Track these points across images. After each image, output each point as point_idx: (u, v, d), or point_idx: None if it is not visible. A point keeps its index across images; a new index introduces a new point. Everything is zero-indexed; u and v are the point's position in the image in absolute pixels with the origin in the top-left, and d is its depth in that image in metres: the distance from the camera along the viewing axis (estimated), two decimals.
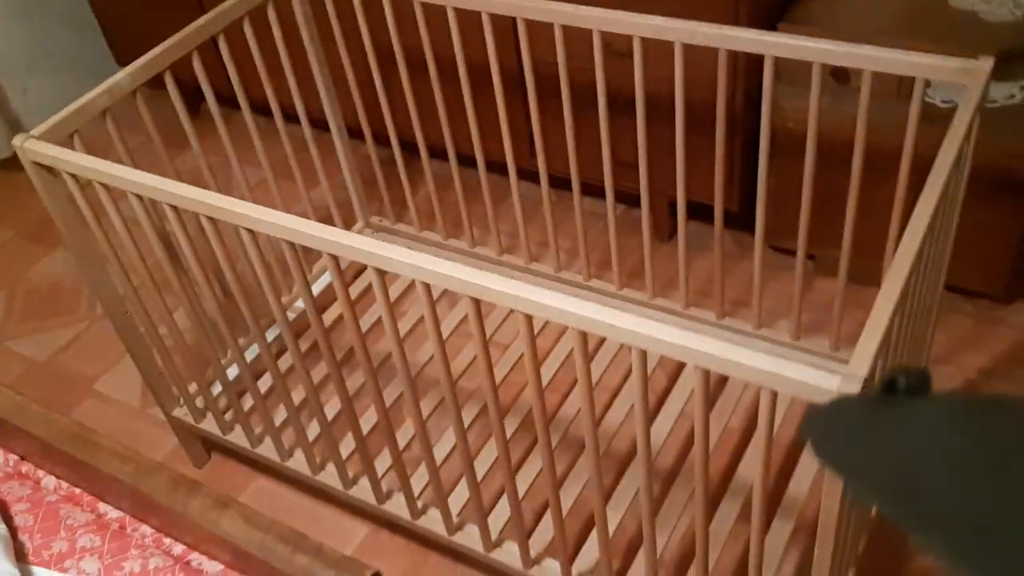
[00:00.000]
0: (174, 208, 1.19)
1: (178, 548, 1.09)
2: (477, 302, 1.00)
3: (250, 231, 1.14)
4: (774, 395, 0.86)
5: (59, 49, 2.49)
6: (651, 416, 1.55)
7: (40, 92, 2.45)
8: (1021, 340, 1.63)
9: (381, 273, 1.05)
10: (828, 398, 0.81)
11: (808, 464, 1.41)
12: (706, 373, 0.89)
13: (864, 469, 0.44)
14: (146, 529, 1.11)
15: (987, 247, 1.60)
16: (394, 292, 1.84)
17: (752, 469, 1.43)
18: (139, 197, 1.23)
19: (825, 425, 0.48)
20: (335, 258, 1.08)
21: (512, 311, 1.71)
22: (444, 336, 1.29)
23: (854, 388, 0.79)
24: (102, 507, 1.15)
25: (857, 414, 0.48)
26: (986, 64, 1.11)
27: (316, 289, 1.84)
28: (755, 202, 1.78)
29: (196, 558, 1.07)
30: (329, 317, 1.82)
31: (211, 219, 1.17)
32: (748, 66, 1.66)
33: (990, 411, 0.42)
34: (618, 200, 1.76)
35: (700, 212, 1.79)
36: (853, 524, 1.12)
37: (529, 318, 0.97)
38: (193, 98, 1.53)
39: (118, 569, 1.07)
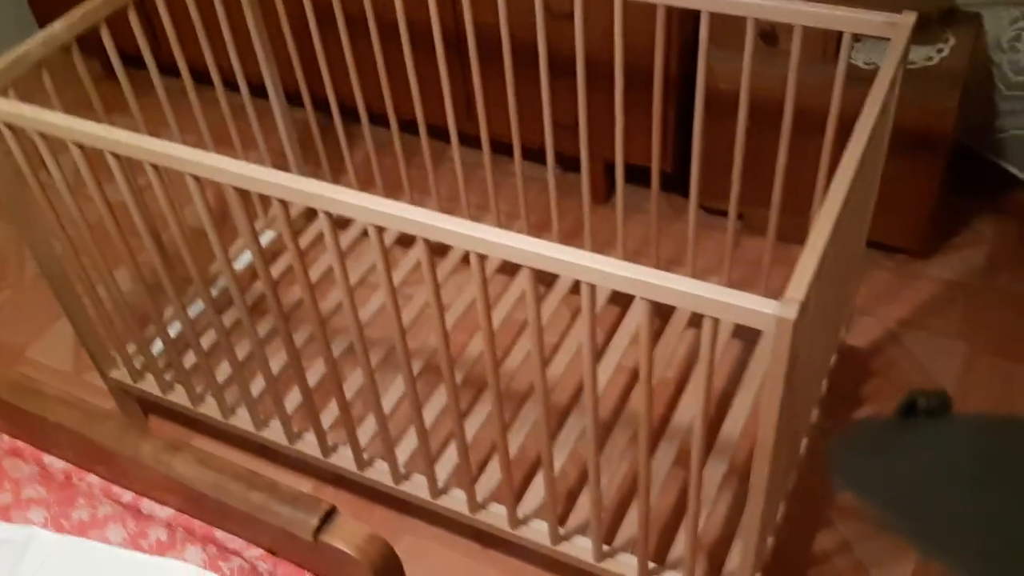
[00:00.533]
0: (116, 156, 1.18)
1: (127, 496, 1.08)
2: (430, 244, 1.02)
3: (196, 178, 1.13)
4: (716, 322, 0.90)
5: None
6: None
7: None
8: (937, 292, 1.72)
9: (331, 217, 1.06)
10: (768, 326, 0.85)
11: (740, 409, 1.47)
12: (652, 304, 0.93)
13: (885, 489, 0.45)
14: (93, 479, 1.10)
15: (906, 204, 1.69)
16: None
17: (686, 417, 1.48)
18: (80, 147, 1.21)
19: (847, 448, 0.50)
20: (284, 204, 1.09)
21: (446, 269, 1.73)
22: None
23: (791, 312, 0.83)
24: (46, 459, 1.14)
25: (878, 436, 0.49)
26: (909, 19, 1.17)
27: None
28: (688, 164, 1.84)
29: (147, 504, 1.07)
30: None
31: (155, 167, 1.16)
32: (681, 28, 1.71)
33: (1006, 431, 0.43)
34: (555, 163, 1.79)
35: (633, 175, 1.83)
36: (785, 458, 1.18)
37: (482, 259, 1.00)
38: (124, 63, 1.51)
39: (65, 518, 1.06)
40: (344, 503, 1.52)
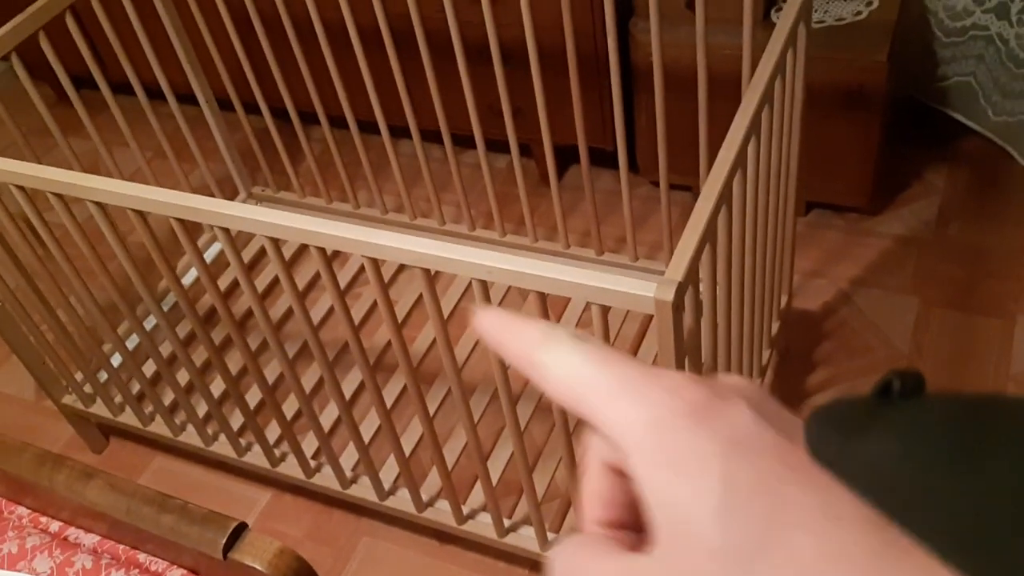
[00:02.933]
0: (22, 189, 1.18)
1: (55, 525, 1.09)
2: (324, 252, 1.01)
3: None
4: (604, 310, 0.89)
5: None
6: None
7: None
8: (888, 248, 1.70)
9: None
10: (650, 309, 0.84)
11: None
12: (541, 296, 0.92)
13: (860, 473, 0.44)
14: (22, 510, 1.11)
15: (848, 162, 1.66)
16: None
17: None
18: None
19: (822, 429, 0.49)
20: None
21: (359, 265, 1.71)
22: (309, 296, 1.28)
23: (668, 294, 0.82)
24: None
25: (853, 417, 0.49)
26: None
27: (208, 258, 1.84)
28: (635, 139, 1.82)
29: (73, 532, 1.07)
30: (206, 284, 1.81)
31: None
32: (616, 6, 1.68)
33: (981, 410, 0.43)
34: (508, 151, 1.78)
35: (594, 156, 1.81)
36: None
37: (375, 262, 0.99)
38: (72, 84, 1.52)
39: None
40: (303, 509, 1.53)
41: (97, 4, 1.51)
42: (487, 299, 0.96)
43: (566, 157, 1.98)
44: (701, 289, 0.99)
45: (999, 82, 1.66)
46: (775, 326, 1.45)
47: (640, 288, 0.84)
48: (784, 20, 1.10)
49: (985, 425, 0.40)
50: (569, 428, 1.10)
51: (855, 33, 1.56)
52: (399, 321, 1.70)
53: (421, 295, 1.49)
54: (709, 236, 0.91)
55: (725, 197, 0.94)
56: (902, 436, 0.41)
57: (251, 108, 1.94)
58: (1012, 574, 0.35)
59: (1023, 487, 0.35)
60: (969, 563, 0.36)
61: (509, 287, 1.72)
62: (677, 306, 0.83)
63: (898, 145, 1.85)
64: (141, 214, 1.11)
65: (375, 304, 1.69)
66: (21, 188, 1.19)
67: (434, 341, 1.60)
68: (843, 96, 1.58)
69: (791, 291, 1.51)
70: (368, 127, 1.83)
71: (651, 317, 0.97)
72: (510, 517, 1.32)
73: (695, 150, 1.65)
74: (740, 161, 0.97)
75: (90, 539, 1.06)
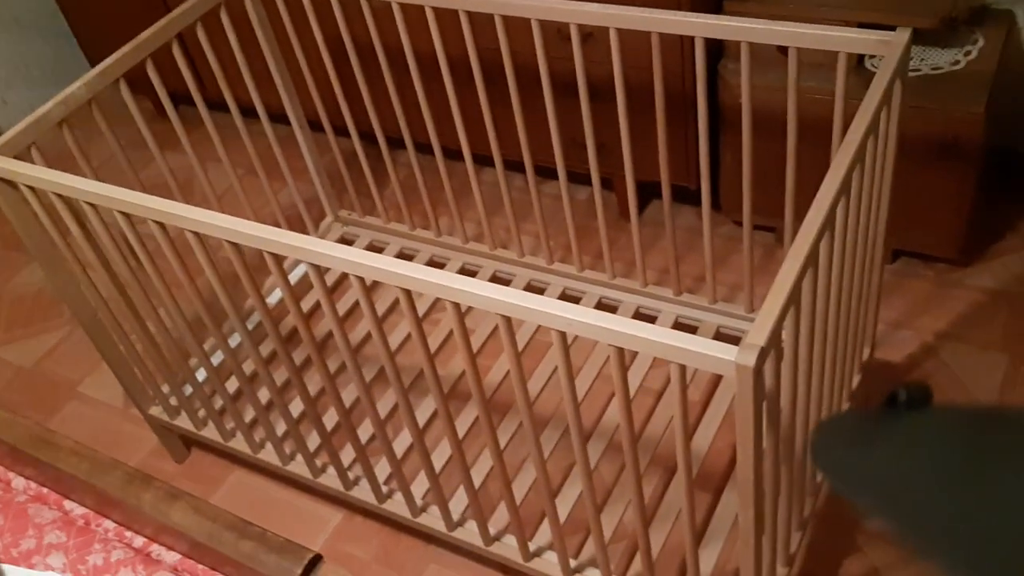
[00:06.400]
0: (126, 215, 1.23)
1: (139, 540, 1.13)
2: (408, 295, 1.04)
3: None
4: (682, 368, 0.89)
5: (37, 60, 2.54)
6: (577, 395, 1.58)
7: (21, 104, 2.50)
8: (977, 301, 1.65)
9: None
10: (730, 372, 0.84)
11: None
12: (620, 351, 0.92)
13: (865, 481, 0.44)
14: (109, 524, 1.16)
15: (940, 213, 1.62)
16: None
17: (704, 441, 1.46)
18: (93, 206, 1.27)
19: (828, 440, 0.49)
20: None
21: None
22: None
23: (749, 359, 0.82)
24: (68, 505, 1.20)
25: (859, 428, 0.49)
26: (903, 35, 1.12)
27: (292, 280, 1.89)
28: (719, 178, 1.81)
29: (156, 549, 1.11)
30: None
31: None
32: (707, 48, 1.68)
33: (985, 422, 0.43)
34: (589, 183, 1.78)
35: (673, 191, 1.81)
36: (788, 490, 1.15)
37: (457, 306, 1.01)
38: (171, 101, 1.59)
39: (82, 563, 1.11)
40: (373, 532, 1.56)
41: (202, 33, 1.57)
42: (565, 346, 0.97)
43: (647, 191, 1.98)
44: (782, 339, 0.98)
45: None
46: (856, 379, 1.42)
47: (721, 351, 0.84)
48: (880, 76, 1.08)
49: (992, 436, 0.39)
50: (639, 470, 1.09)
51: (952, 83, 1.52)
52: (475, 351, 1.72)
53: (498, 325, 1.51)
54: (793, 299, 0.90)
55: (811, 260, 0.93)
56: (907, 446, 0.41)
57: (340, 131, 1.99)
58: None
59: None
60: (975, 571, 0.35)
61: None
62: (758, 371, 0.83)
63: (992, 195, 1.80)
64: (236, 246, 1.15)
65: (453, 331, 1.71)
66: (125, 214, 1.24)
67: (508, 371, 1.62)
68: (937, 146, 1.54)
69: (874, 342, 1.48)
70: (452, 154, 1.86)
71: None
72: (576, 557, 1.33)
73: (779, 190, 1.64)
74: (828, 223, 0.96)
75: (171, 557, 1.10)
